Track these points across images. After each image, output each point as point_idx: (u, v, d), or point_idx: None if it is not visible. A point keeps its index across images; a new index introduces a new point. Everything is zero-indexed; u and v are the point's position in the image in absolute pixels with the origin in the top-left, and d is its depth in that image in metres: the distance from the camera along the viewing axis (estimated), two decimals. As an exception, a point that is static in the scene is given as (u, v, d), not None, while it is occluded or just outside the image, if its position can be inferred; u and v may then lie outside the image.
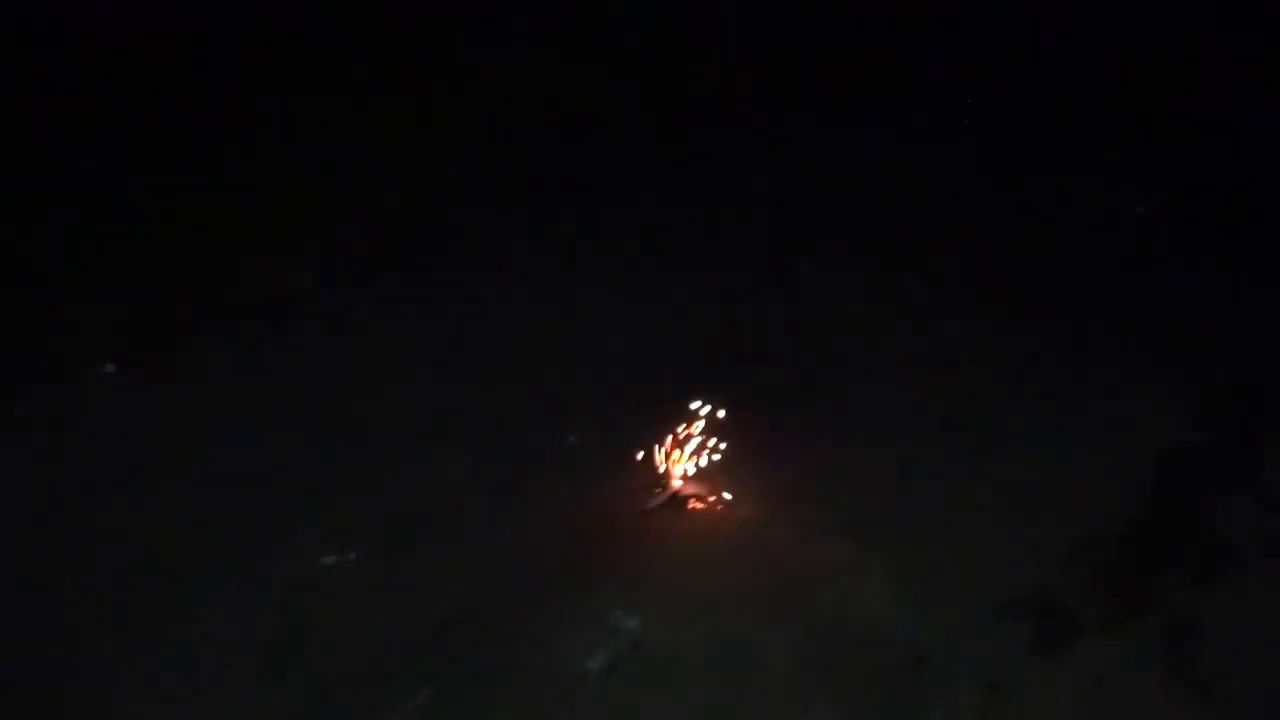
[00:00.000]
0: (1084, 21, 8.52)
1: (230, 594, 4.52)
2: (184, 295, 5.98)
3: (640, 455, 5.04)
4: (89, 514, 4.79)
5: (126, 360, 5.58)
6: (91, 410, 5.32)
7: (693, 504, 4.94)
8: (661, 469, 5.00)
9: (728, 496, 4.95)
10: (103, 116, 6.64)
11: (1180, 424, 5.35)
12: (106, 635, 4.34)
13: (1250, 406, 5.48)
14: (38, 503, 4.84)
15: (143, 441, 5.18)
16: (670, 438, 5.04)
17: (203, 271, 6.09)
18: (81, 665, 4.24)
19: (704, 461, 5.05)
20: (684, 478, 5.01)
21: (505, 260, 6.36)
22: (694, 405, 5.15)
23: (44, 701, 4.12)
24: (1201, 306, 6.13)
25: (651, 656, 4.34)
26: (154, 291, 5.98)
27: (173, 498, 4.89)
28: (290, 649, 4.35)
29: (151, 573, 4.58)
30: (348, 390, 5.44)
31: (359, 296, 6.07)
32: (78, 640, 4.32)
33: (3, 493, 4.87)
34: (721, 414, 5.13)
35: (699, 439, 5.07)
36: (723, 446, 5.09)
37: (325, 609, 4.51)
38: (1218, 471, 5.14)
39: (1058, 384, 5.54)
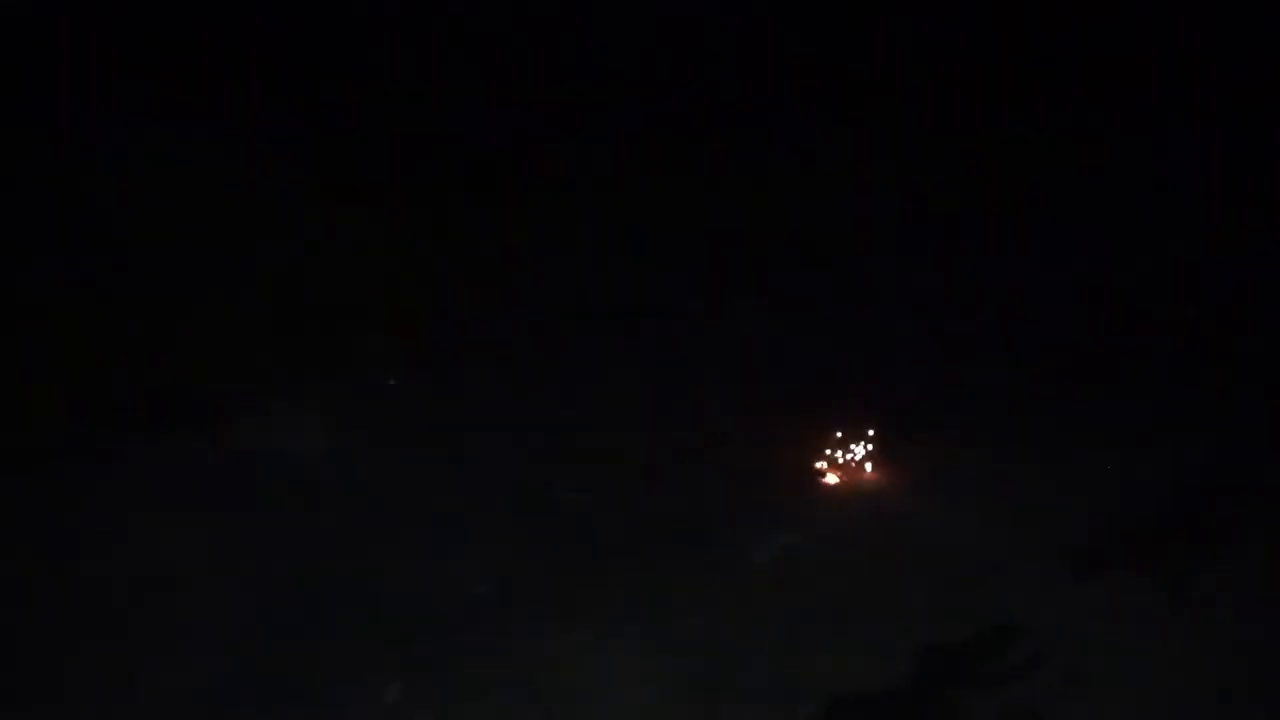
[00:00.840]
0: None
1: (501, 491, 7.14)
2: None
3: (815, 444, 7.36)
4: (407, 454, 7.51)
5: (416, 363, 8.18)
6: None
7: (843, 477, 7.21)
8: (829, 456, 7.31)
9: (871, 471, 7.24)
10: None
11: (1194, 451, 7.26)
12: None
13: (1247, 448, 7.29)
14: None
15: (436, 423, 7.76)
16: (839, 436, 7.36)
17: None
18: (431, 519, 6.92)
19: (860, 451, 7.31)
20: (845, 458, 7.28)
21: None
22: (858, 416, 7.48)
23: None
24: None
25: (799, 558, 6.63)
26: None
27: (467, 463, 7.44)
28: (539, 523, 6.90)
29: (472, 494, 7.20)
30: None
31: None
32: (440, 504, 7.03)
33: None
34: (876, 423, 7.42)
35: (858, 437, 7.37)
36: (876, 440, 7.37)
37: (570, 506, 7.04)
38: (1223, 481, 6.99)
39: (1110, 421, 7.54)
